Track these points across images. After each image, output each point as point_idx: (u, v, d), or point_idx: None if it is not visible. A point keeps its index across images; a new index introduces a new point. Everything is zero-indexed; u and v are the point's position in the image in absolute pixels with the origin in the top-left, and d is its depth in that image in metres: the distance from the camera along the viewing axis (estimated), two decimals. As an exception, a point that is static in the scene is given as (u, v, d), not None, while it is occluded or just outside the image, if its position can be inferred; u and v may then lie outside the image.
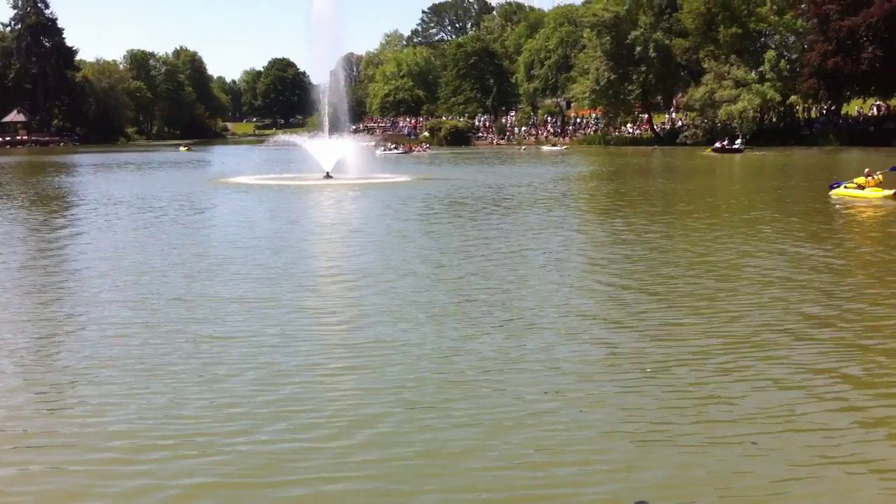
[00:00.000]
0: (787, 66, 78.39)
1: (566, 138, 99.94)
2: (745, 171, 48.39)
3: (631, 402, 8.03)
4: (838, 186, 28.15)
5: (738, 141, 68.79)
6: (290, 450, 6.99)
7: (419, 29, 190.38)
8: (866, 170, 27.89)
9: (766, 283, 13.24)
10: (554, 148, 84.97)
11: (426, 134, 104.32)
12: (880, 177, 27.25)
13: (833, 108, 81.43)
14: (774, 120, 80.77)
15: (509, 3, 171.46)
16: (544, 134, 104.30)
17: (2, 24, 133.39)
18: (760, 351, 9.60)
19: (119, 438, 7.28)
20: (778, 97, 76.86)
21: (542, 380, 8.68)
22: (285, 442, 7.18)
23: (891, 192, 25.88)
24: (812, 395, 8.24)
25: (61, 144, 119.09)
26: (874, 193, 26.38)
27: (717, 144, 67.95)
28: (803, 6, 79.69)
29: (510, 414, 7.72)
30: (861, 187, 27.06)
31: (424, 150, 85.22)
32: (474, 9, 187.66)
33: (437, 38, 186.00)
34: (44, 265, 16.06)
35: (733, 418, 7.59)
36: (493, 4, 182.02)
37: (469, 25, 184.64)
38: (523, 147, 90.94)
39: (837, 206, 25.70)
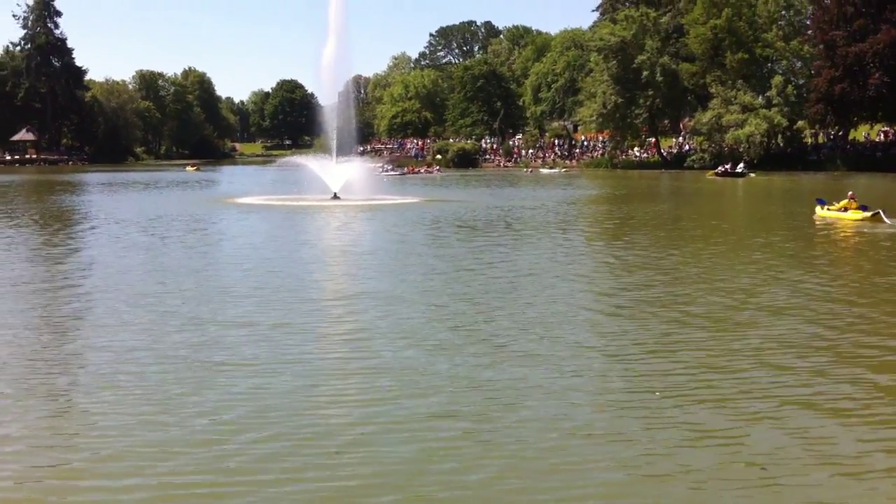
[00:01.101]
0: (794, 92, 78.60)
1: (573, 161, 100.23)
2: (748, 195, 48.66)
3: (645, 435, 7.93)
4: (823, 204, 30.12)
5: (741, 165, 69.79)
6: (301, 488, 6.80)
7: (427, 51, 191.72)
8: (850, 192, 29.45)
9: (776, 310, 13.16)
10: (552, 171, 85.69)
11: (438, 156, 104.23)
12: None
13: (840, 133, 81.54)
14: (782, 145, 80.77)
15: (516, 27, 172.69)
16: (551, 156, 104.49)
17: (11, 43, 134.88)
18: (773, 376, 9.50)
19: (126, 470, 7.11)
20: (785, 122, 76.94)
21: (555, 410, 8.55)
22: (296, 480, 6.95)
23: (869, 213, 27.44)
24: (831, 425, 8.13)
25: (70, 163, 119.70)
26: (854, 215, 27.90)
27: (720, 168, 69.19)
28: (810, 32, 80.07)
29: (524, 447, 7.56)
30: (845, 209, 28.60)
31: (435, 172, 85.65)
32: (481, 32, 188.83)
33: (444, 60, 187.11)
34: (47, 287, 15.84)
35: (748, 451, 7.48)
36: (501, 28, 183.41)
37: (476, 48, 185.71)
38: (529, 169, 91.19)
39: (823, 229, 26.85)
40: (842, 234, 25.18)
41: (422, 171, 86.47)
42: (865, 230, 25.65)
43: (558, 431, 7.94)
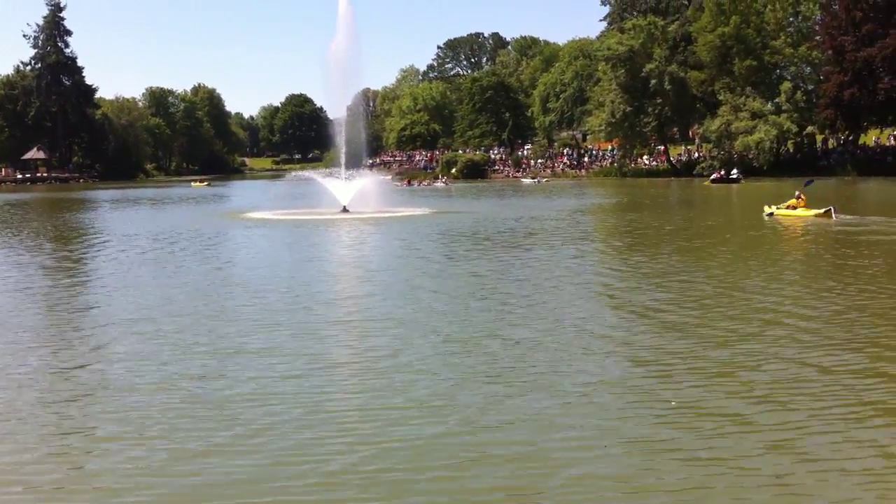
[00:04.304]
0: (804, 97, 78.33)
1: (582, 171, 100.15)
2: (742, 200, 49.49)
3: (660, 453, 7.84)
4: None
5: (735, 172, 71.47)
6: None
7: (434, 64, 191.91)
8: (797, 192, 32.95)
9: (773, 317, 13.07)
10: (532, 181, 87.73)
11: (453, 171, 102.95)
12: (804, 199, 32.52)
13: (850, 138, 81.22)
14: (792, 150, 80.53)
15: (524, 38, 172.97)
16: (560, 166, 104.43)
17: (22, 63, 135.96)
18: (786, 384, 9.41)
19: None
20: (794, 128, 76.67)
21: (572, 435, 8.36)
22: None
23: (821, 210, 30.67)
24: (851, 434, 8.01)
25: (81, 181, 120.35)
26: (806, 213, 31.38)
27: (715, 175, 71.73)
28: (818, 38, 79.81)
29: (540, 474, 7.44)
30: (794, 208, 32.10)
31: (445, 183, 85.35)
32: (489, 44, 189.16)
33: (452, 72, 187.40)
34: (52, 312, 15.51)
35: (767, 463, 7.39)
36: (508, 39, 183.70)
37: (484, 60, 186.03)
38: (536, 179, 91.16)
39: (776, 226, 29.95)
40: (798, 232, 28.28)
41: (421, 184, 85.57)
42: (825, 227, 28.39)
43: (572, 464, 7.77)
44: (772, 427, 8.28)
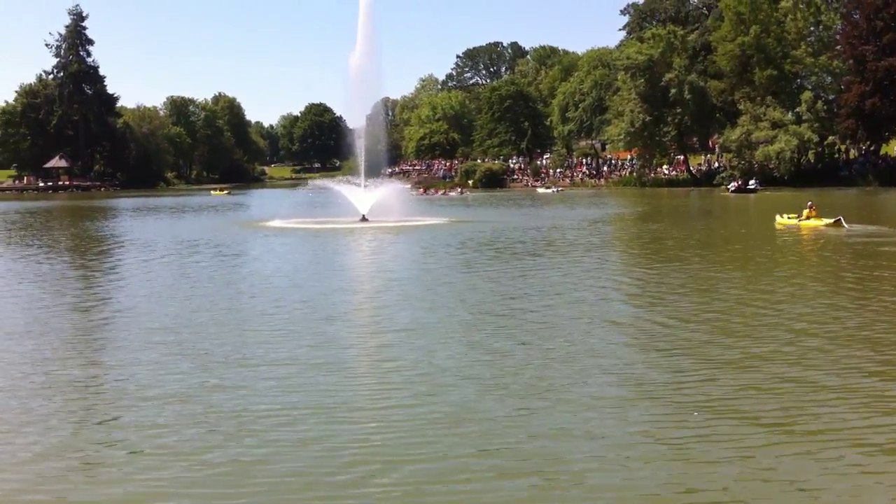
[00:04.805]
0: (824, 107, 77.90)
1: (601, 180, 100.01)
2: (759, 210, 49.29)
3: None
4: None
5: (753, 182, 72.80)
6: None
7: (453, 73, 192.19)
8: (809, 203, 34.41)
9: (799, 331, 12.98)
10: (548, 190, 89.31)
11: (470, 182, 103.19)
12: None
13: (872, 148, 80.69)
14: (812, 161, 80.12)
15: (543, 47, 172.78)
16: (579, 176, 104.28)
17: (44, 71, 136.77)
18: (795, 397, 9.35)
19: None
20: (815, 138, 76.24)
21: (588, 447, 8.41)
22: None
23: (831, 220, 31.77)
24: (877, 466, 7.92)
25: (102, 189, 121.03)
26: (816, 222, 32.63)
27: (733, 185, 72.72)
28: (839, 47, 79.43)
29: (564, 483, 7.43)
30: (807, 218, 33.38)
31: (461, 192, 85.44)
32: (508, 53, 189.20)
33: (471, 81, 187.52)
34: (72, 319, 15.52)
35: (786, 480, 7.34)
36: (527, 49, 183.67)
37: (503, 69, 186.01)
38: (553, 189, 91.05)
39: (791, 237, 30.41)
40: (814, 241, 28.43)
41: (437, 193, 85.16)
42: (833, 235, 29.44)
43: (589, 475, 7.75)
44: (782, 440, 8.26)
